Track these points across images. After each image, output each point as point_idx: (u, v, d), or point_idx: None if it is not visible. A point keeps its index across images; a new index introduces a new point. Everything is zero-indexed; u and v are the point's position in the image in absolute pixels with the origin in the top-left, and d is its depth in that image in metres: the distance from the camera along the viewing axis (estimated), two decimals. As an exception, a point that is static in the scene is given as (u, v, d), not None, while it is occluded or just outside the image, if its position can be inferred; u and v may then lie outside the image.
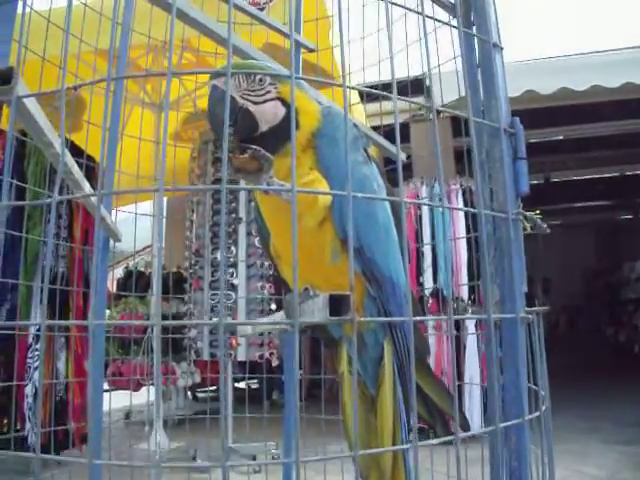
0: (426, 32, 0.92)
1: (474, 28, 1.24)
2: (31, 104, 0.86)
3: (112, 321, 5.38)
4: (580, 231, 15.06)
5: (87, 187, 1.29)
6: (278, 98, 1.35)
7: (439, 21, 1.15)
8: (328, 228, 1.37)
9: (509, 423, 0.94)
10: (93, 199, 1.44)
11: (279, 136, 1.34)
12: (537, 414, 1.02)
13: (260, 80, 1.34)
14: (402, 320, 1.26)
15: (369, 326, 1.43)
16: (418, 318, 0.85)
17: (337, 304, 0.90)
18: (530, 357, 1.03)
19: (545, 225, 1.02)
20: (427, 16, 1.01)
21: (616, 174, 11.63)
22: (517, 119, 1.05)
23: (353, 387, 0.79)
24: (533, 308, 1.02)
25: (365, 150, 1.51)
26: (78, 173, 1.19)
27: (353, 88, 0.82)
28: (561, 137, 8.88)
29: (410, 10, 0.97)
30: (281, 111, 1.35)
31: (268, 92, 1.35)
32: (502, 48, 1.07)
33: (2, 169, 4.08)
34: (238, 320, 4.47)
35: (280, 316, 1.38)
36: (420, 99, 5.01)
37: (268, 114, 1.34)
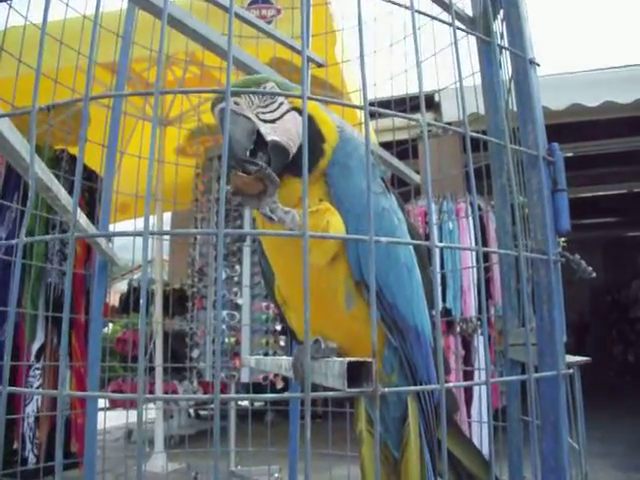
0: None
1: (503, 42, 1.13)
2: (4, 126, 0.75)
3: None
4: (587, 248, 14.88)
5: (77, 213, 1.18)
6: (293, 109, 1.23)
7: (462, 30, 1.03)
8: (341, 266, 1.21)
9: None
10: (86, 226, 1.33)
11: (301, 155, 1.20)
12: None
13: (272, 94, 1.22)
14: (433, 388, 1.12)
15: (390, 381, 1.27)
16: (451, 385, 0.72)
17: (356, 373, 0.75)
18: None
19: (590, 268, 0.90)
20: (448, 24, 0.90)
21: (624, 191, 11.50)
22: (556, 145, 0.92)
23: (376, 455, 0.66)
24: (574, 359, 0.90)
25: (382, 179, 1.37)
26: (65, 199, 1.09)
27: (376, 111, 0.71)
28: (570, 154, 8.80)
29: (434, 18, 0.86)
30: (300, 123, 1.20)
31: (282, 104, 1.23)
32: (538, 65, 0.95)
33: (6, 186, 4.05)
34: (242, 341, 4.36)
35: (286, 363, 1.23)
36: (429, 115, 4.92)
37: (292, 132, 1.21)
